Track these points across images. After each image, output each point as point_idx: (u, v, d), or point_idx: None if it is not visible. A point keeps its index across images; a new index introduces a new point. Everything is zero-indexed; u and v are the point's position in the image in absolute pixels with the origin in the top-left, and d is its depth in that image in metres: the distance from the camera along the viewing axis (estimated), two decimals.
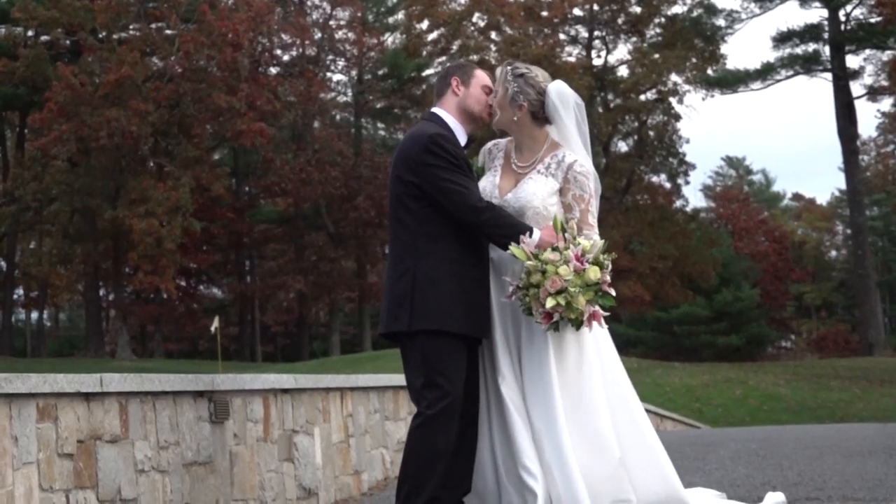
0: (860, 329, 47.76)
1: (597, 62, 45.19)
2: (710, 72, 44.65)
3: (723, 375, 32.87)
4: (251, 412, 6.11)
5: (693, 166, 45.80)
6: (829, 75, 45.50)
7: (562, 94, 5.09)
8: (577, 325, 4.76)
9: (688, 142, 44.96)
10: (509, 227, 4.84)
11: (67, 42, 43.49)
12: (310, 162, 46.34)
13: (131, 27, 42.90)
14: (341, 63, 52.36)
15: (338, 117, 54.88)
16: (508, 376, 4.95)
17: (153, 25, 42.36)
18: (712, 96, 47.08)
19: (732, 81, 46.94)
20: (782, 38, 46.43)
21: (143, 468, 5.02)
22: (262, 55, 46.64)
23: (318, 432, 6.98)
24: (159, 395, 5.22)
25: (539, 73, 5.15)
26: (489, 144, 5.33)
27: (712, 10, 44.83)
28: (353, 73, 52.79)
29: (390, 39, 53.04)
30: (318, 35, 50.24)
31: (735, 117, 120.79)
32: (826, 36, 45.35)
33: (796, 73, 47.25)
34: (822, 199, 76.54)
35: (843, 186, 53.89)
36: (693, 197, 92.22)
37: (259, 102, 40.81)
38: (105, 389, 4.74)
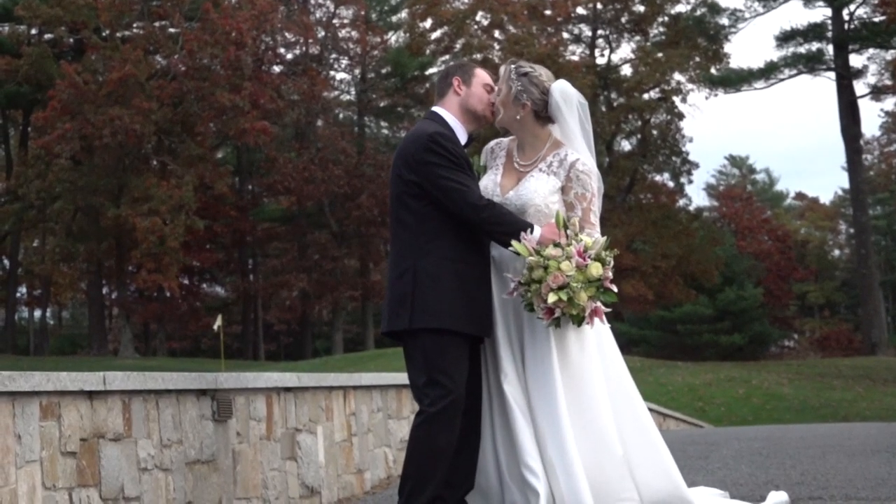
0: (863, 328, 47.69)
1: (600, 61, 45.21)
2: (713, 71, 44.60)
3: (726, 374, 32.86)
4: (254, 411, 6.11)
5: (696, 165, 45.79)
6: (832, 74, 45.43)
7: (565, 94, 5.09)
8: (579, 321, 4.76)
9: (691, 141, 44.91)
10: (510, 224, 4.84)
11: (71, 40, 43.53)
12: (313, 160, 46.34)
13: (135, 25, 42.97)
14: (345, 61, 52.40)
15: (341, 116, 54.90)
16: (511, 374, 4.96)
17: (156, 24, 42.39)
18: (716, 95, 46.99)
19: (736, 80, 46.85)
20: (786, 37, 46.35)
21: (146, 466, 5.02)
22: (265, 53, 46.64)
23: (321, 431, 6.99)
24: (162, 393, 5.22)
25: (542, 72, 5.15)
26: (491, 143, 5.33)
27: (716, 9, 44.79)
28: (357, 71, 52.80)
29: (394, 38, 53.02)
30: (321, 33, 50.23)
31: (738, 116, 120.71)
32: (829, 35, 45.27)
33: (800, 73, 47.17)
34: (826, 198, 76.47)
35: (847, 185, 53.88)
36: (696, 196, 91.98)
37: (262, 101, 40.83)
38: (108, 388, 4.75)
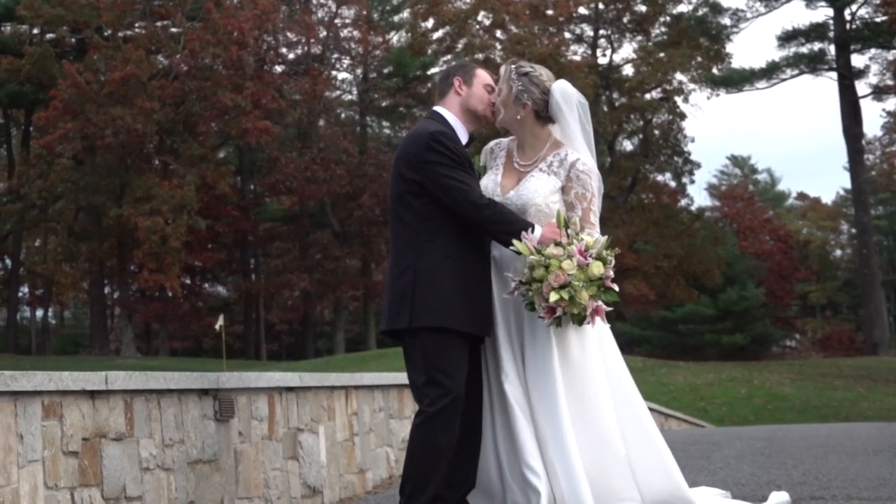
0: (865, 328, 47.68)
1: (602, 61, 45.20)
2: (715, 71, 44.58)
3: (727, 374, 32.85)
4: (256, 410, 6.11)
5: (698, 165, 45.72)
6: (834, 74, 45.42)
7: (565, 94, 5.10)
8: (580, 320, 4.76)
9: (693, 141, 44.85)
10: (510, 223, 4.85)
11: (73, 40, 43.55)
12: (315, 160, 46.35)
13: (137, 25, 43.00)
14: (346, 61, 52.40)
15: (343, 115, 54.90)
16: (511, 374, 4.96)
17: (158, 23, 42.42)
18: (717, 95, 47.01)
19: (738, 80, 46.84)
20: (787, 38, 46.34)
21: (147, 466, 5.02)
22: (267, 53, 46.67)
23: (323, 430, 6.99)
24: (164, 393, 5.23)
25: (543, 72, 5.16)
26: (491, 143, 5.34)
27: (718, 9, 44.79)
28: (359, 71, 52.80)
29: (395, 38, 53.02)
30: (323, 33, 50.24)
31: (740, 116, 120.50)
32: (831, 35, 45.26)
33: (801, 73, 47.16)
34: (828, 198, 76.31)
35: (849, 185, 53.82)
36: (698, 196, 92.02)
37: (264, 100, 40.85)
38: (110, 387, 4.75)
